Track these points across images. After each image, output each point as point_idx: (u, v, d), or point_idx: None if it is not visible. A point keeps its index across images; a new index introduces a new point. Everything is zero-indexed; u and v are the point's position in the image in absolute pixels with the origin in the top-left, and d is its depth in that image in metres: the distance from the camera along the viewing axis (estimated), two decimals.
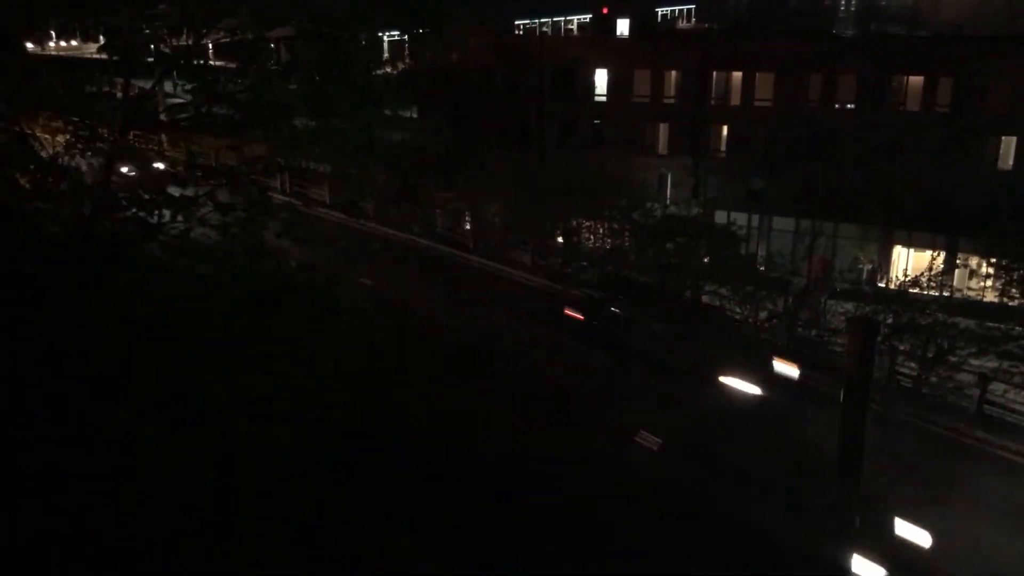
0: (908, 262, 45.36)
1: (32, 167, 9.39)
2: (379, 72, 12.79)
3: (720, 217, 41.50)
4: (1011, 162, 45.95)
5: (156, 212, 10.01)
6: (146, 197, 10.07)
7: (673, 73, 51.72)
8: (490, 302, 27.22)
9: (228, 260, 10.15)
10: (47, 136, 10.20)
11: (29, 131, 9.78)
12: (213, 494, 9.76)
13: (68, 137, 10.10)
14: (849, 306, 25.54)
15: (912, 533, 12.46)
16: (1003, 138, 45.98)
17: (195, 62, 11.31)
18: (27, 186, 9.44)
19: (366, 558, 14.50)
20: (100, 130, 10.12)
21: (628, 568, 14.90)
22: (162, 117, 14.09)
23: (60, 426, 8.82)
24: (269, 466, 10.84)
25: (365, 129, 12.13)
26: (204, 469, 9.68)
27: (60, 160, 9.96)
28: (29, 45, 12.20)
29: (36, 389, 8.94)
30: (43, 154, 9.73)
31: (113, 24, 10.04)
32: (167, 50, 11.79)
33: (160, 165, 11.41)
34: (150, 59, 10.81)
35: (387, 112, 12.32)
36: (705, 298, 26.86)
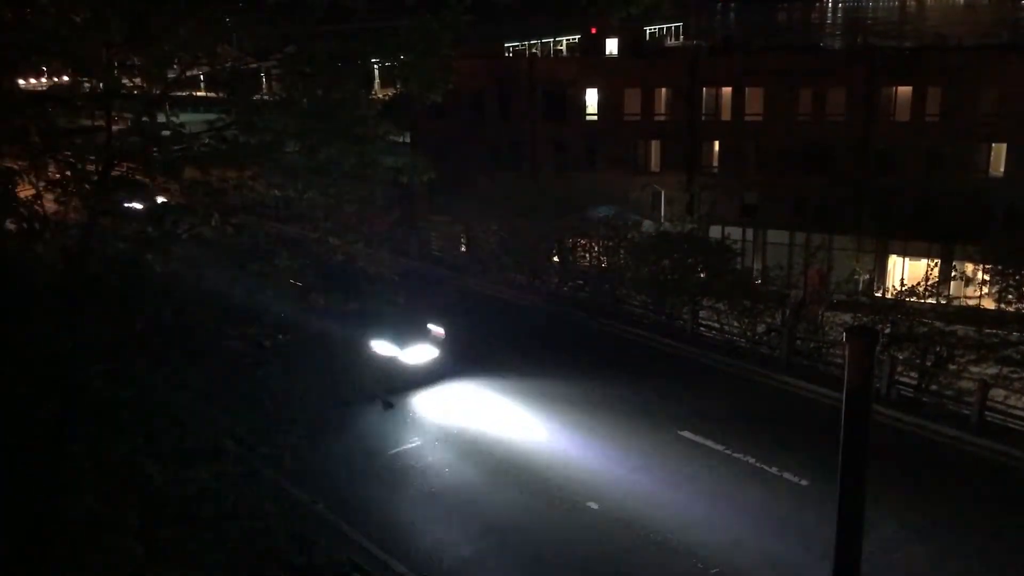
0: (904, 271, 45.44)
1: (14, 209, 9.21)
2: (370, 98, 12.68)
3: (714, 232, 41.56)
4: (1002, 168, 46.22)
5: (149, 249, 9.78)
6: (139, 231, 9.90)
7: (663, 90, 52.07)
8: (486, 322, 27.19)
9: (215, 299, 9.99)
10: (30, 177, 9.91)
11: (15, 169, 9.57)
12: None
13: (52, 174, 9.90)
14: (847, 317, 25.50)
15: None
16: (993, 145, 46.27)
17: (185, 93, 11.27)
18: (12, 228, 9.30)
19: None
20: (82, 166, 9.85)
21: None
22: (154, 151, 13.87)
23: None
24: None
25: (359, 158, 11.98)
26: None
27: (42, 198, 9.75)
28: (20, 82, 12.08)
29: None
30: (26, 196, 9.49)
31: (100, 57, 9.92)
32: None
33: (160, 199, 11.15)
34: (135, 92, 10.51)
35: (380, 139, 12.17)
36: (703, 313, 26.78)
